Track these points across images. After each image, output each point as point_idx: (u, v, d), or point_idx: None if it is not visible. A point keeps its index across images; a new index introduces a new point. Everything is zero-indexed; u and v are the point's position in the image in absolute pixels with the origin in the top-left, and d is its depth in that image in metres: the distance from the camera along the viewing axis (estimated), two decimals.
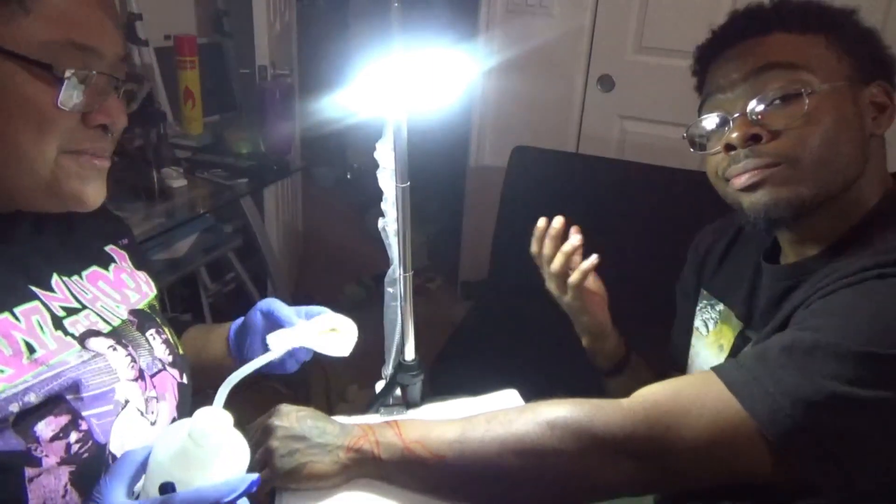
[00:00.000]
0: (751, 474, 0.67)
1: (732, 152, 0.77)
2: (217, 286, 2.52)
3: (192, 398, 0.83)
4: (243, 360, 0.87)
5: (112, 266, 0.81)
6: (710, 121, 0.80)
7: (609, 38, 2.32)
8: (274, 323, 0.85)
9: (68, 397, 0.64)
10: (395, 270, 0.87)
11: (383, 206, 0.85)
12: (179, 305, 2.40)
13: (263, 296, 2.46)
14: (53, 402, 0.62)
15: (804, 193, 0.74)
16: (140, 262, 0.86)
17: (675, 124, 2.28)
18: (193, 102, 2.14)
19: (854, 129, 0.75)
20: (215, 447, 0.57)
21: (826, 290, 0.70)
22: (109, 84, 0.64)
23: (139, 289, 0.82)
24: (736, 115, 0.77)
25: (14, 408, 0.59)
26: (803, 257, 0.80)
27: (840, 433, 0.63)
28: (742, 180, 0.77)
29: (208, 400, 0.63)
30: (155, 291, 0.85)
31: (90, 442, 0.65)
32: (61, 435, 0.62)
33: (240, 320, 0.92)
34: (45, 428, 0.61)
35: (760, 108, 0.75)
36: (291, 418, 0.76)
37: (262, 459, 0.73)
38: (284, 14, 2.58)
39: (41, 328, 0.65)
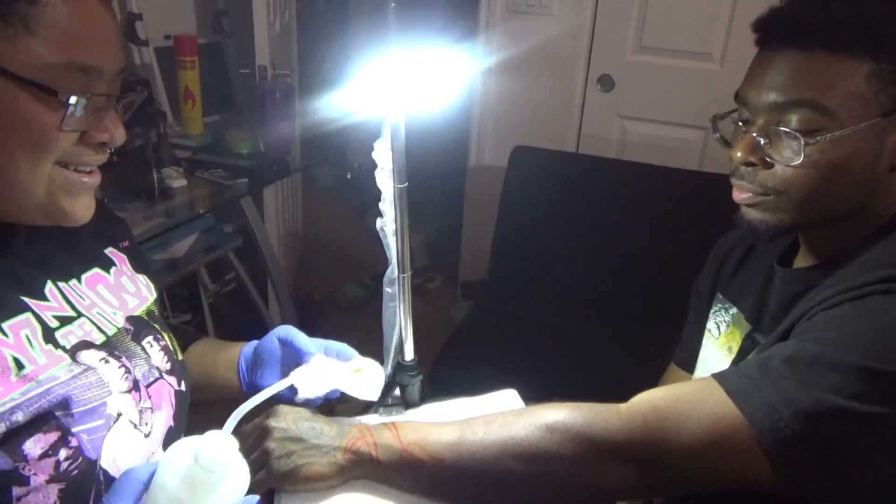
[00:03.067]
0: (748, 481, 0.67)
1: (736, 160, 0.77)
2: (217, 286, 2.52)
3: (193, 409, 0.82)
4: (254, 387, 0.85)
5: (112, 269, 0.80)
6: (729, 123, 0.81)
7: (609, 38, 2.32)
8: (291, 352, 0.83)
9: (58, 414, 0.62)
10: (394, 270, 0.86)
11: (381, 206, 0.85)
12: (179, 305, 2.40)
13: (263, 296, 2.46)
14: (42, 420, 0.61)
15: (787, 221, 0.76)
16: (140, 265, 0.85)
17: (675, 124, 2.28)
18: (193, 102, 2.14)
19: (861, 170, 0.72)
20: (221, 472, 0.57)
21: (830, 302, 0.69)
22: (109, 103, 0.65)
23: (139, 293, 0.81)
24: (749, 131, 0.75)
25: (0, 427, 0.58)
26: (815, 263, 0.80)
27: (838, 446, 0.64)
28: (737, 196, 0.79)
29: (209, 412, 0.62)
30: (154, 296, 0.84)
31: (80, 458, 0.63)
32: (50, 452, 0.61)
33: (251, 344, 0.89)
34: (34, 446, 0.60)
35: (771, 135, 0.74)
36: (288, 419, 0.75)
37: (259, 461, 0.73)
38: (284, 14, 2.58)
39: (30, 343, 0.64)
